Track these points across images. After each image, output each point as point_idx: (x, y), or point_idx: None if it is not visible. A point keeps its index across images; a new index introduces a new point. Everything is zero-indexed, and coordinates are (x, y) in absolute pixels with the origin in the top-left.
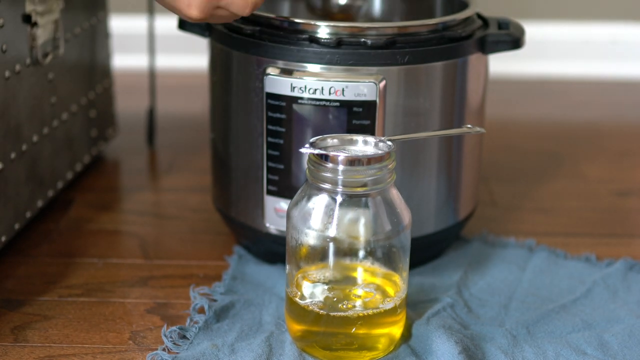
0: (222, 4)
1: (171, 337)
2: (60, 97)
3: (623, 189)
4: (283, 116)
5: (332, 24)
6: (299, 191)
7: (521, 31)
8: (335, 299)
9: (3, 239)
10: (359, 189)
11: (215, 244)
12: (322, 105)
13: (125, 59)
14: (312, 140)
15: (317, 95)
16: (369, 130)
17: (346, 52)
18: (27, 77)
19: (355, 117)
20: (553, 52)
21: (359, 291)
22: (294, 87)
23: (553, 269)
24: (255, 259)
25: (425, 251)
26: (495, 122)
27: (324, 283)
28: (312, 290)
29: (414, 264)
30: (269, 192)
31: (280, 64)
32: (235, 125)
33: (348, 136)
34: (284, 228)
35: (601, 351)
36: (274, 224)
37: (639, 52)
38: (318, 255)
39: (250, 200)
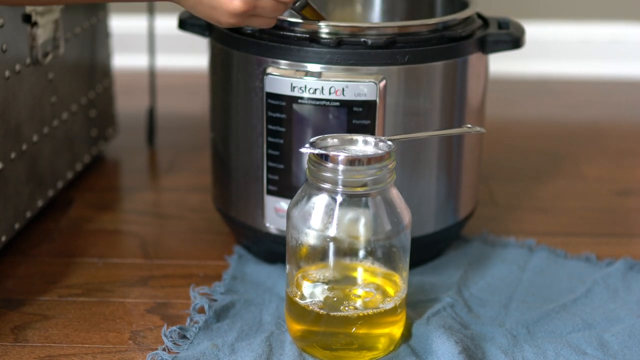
0: (258, 12)
1: (171, 337)
2: (60, 96)
3: (623, 188)
4: (283, 116)
5: (332, 23)
6: (299, 191)
7: (521, 31)
8: (335, 299)
9: (3, 238)
10: (359, 189)
11: (215, 244)
12: (322, 105)
13: (126, 59)
14: (312, 140)
15: (317, 95)
16: (369, 130)
17: (346, 51)
18: (27, 76)
19: (356, 116)
20: (553, 52)
21: (359, 291)
22: (294, 87)
23: (553, 269)
24: (255, 258)
25: (426, 251)
26: (495, 121)
27: (324, 283)
28: (312, 290)
29: (414, 264)
30: (269, 192)
31: (281, 63)
32: (235, 125)
33: (348, 136)
34: (284, 228)
35: (601, 351)
36: (274, 223)
37: (639, 51)
38: (318, 255)
39: (251, 200)
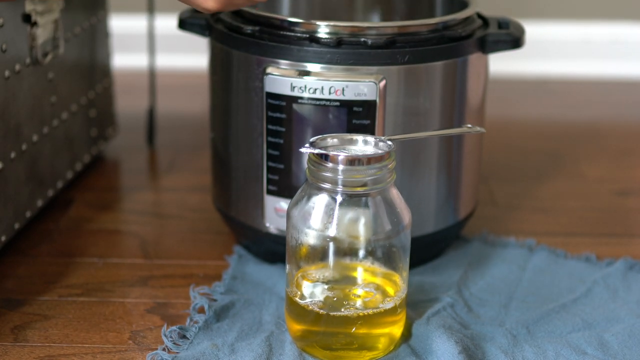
0: None
1: (171, 337)
2: (60, 96)
3: (623, 188)
4: (283, 116)
5: (332, 23)
6: (299, 191)
7: (521, 31)
8: (335, 299)
9: (3, 238)
10: (359, 189)
11: (215, 244)
12: (322, 105)
13: (125, 59)
14: (312, 139)
15: (317, 95)
16: (369, 129)
17: (346, 51)
18: (27, 76)
19: (355, 116)
20: (553, 52)
21: (359, 291)
22: (294, 87)
23: (553, 269)
24: (255, 258)
25: (426, 251)
26: (496, 121)
27: (324, 283)
28: (312, 290)
29: (414, 264)
30: (269, 192)
31: (281, 63)
32: (235, 124)
33: (348, 136)
34: (284, 228)
35: (601, 351)
36: (274, 223)
37: (639, 51)
38: (318, 254)
39: (251, 199)
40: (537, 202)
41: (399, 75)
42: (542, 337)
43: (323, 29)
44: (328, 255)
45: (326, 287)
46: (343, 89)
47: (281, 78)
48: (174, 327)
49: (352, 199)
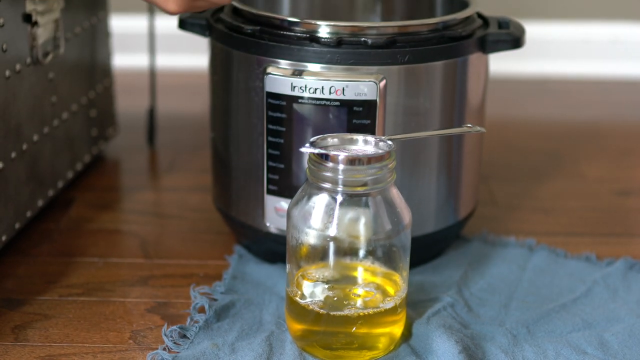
0: None
1: (171, 337)
2: (60, 96)
3: (623, 188)
4: (283, 115)
5: (332, 23)
6: (299, 190)
7: (521, 30)
8: (335, 299)
9: (3, 238)
10: (359, 189)
11: (215, 244)
12: (322, 105)
13: (126, 59)
14: (312, 139)
15: (318, 95)
16: (369, 129)
17: (346, 51)
18: (28, 76)
19: (356, 116)
20: (553, 52)
21: (359, 290)
22: (294, 87)
23: (553, 269)
24: (255, 258)
25: (426, 250)
26: (496, 121)
27: (324, 282)
28: (313, 290)
29: (414, 263)
30: (270, 192)
31: (281, 63)
32: (235, 124)
33: (348, 135)
34: (284, 227)
35: (601, 350)
36: (274, 223)
37: (639, 51)
38: (318, 254)
39: (251, 199)
40: (537, 202)
41: (399, 75)
42: (542, 337)
43: (323, 29)
44: (328, 255)
45: (326, 286)
46: (343, 89)
47: (281, 78)
48: (174, 327)
49: (353, 199)
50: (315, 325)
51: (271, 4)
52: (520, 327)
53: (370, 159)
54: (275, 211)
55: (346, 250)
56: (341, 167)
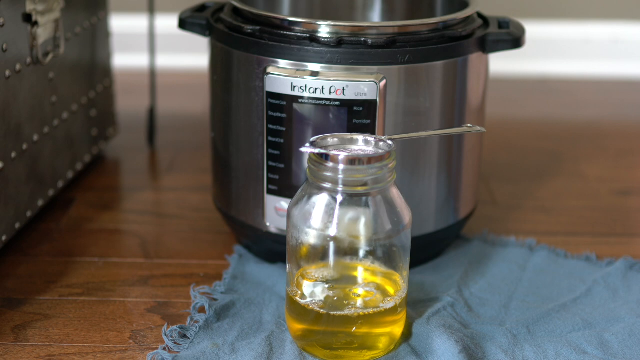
0: None
1: (172, 336)
2: (60, 96)
3: (623, 188)
4: (283, 115)
5: (332, 23)
6: (299, 190)
7: (521, 30)
8: (335, 298)
9: (4, 238)
10: (359, 188)
11: (215, 243)
12: (322, 105)
13: (126, 58)
14: (312, 139)
15: (318, 95)
16: (370, 129)
17: (347, 51)
18: (28, 76)
19: (356, 116)
20: (553, 52)
21: (359, 290)
22: (294, 87)
23: (553, 268)
24: (255, 258)
25: (426, 250)
26: (496, 121)
27: (324, 282)
28: (313, 290)
29: (415, 263)
30: (270, 191)
31: (281, 63)
32: (235, 124)
33: (348, 135)
34: (284, 227)
35: (601, 350)
36: (274, 223)
37: (639, 51)
38: (318, 254)
39: (251, 199)
40: (538, 201)
41: (400, 74)
42: (542, 337)
43: (323, 29)
44: (328, 255)
45: (326, 286)
46: (343, 89)
47: (281, 78)
48: (174, 327)
49: (353, 199)
50: (315, 325)
51: (271, 4)
52: (520, 327)
53: (370, 159)
54: (275, 211)
55: (346, 250)
56: (341, 167)
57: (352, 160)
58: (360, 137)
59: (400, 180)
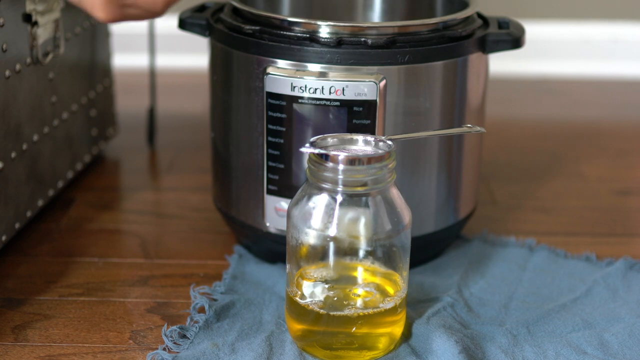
0: (129, 2)
1: (171, 337)
2: (60, 96)
3: (623, 188)
4: (283, 115)
5: (332, 23)
6: (299, 190)
7: (521, 30)
8: (335, 299)
9: (4, 238)
10: (359, 189)
11: (215, 243)
12: (322, 105)
13: (126, 58)
14: (312, 139)
15: (318, 95)
16: (369, 129)
17: (346, 51)
18: (28, 76)
19: (356, 116)
20: (553, 52)
21: (359, 290)
22: (294, 87)
23: (553, 268)
24: (255, 258)
25: (426, 250)
26: (496, 121)
27: (324, 282)
28: (313, 290)
29: (415, 263)
30: (270, 192)
31: (281, 63)
32: (235, 124)
33: (348, 135)
34: (284, 227)
35: (601, 350)
36: (274, 223)
37: (639, 51)
38: (318, 254)
39: (251, 199)
40: (537, 201)
41: (399, 75)
42: (542, 337)
43: (323, 29)
44: (328, 255)
45: (326, 286)
46: (343, 89)
47: (281, 78)
48: (174, 327)
49: (353, 199)
50: (315, 325)
51: (271, 4)
52: (520, 327)
53: (370, 159)
54: (275, 211)
55: (346, 250)
56: (341, 167)
57: (352, 161)
58: (360, 137)
59: (400, 180)
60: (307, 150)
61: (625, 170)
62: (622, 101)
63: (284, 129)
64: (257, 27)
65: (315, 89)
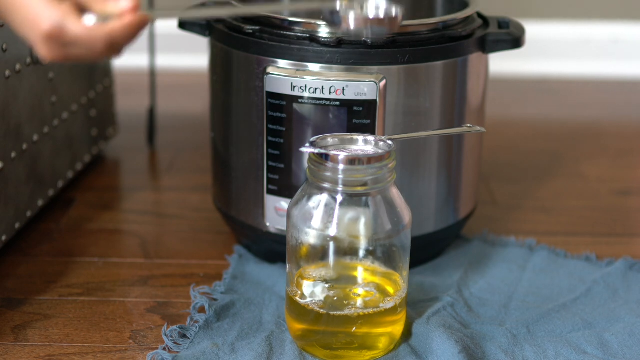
0: (69, 41)
1: (172, 336)
2: (60, 96)
3: (623, 188)
4: (283, 115)
5: None
6: (299, 190)
7: (521, 30)
8: (335, 298)
9: (4, 238)
10: (359, 188)
11: (215, 243)
12: (322, 105)
13: (126, 58)
14: (312, 139)
15: (318, 95)
16: (369, 129)
17: (346, 51)
18: (28, 76)
19: (356, 116)
20: (553, 52)
21: (359, 290)
22: (294, 87)
23: (553, 268)
24: (255, 258)
25: (426, 250)
26: (496, 121)
27: (324, 282)
28: (313, 290)
29: (415, 263)
30: (270, 192)
31: (281, 63)
32: (235, 124)
33: (348, 135)
34: (284, 227)
35: (601, 350)
36: (274, 223)
37: (639, 51)
38: (318, 254)
39: (251, 199)
40: (537, 201)
41: (399, 75)
42: (542, 337)
43: (323, 29)
44: (328, 255)
45: (326, 286)
46: (343, 89)
47: (281, 78)
48: (174, 327)
49: (353, 199)
50: (315, 325)
51: (271, 4)
52: (520, 327)
53: (370, 159)
54: (275, 211)
55: (346, 250)
56: (341, 167)
57: (352, 160)
58: (360, 137)
59: (400, 180)
60: (307, 150)
61: (625, 170)
62: (622, 101)
63: (284, 129)
64: (257, 27)
65: (315, 89)
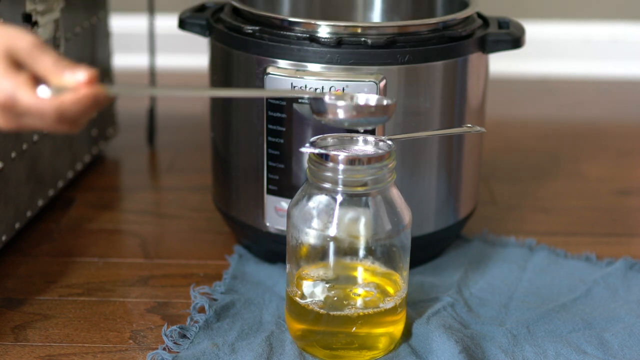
0: (21, 111)
1: (172, 337)
2: None
3: (623, 188)
4: (283, 115)
5: (332, 23)
6: (299, 190)
7: (521, 30)
8: (335, 298)
9: (4, 238)
10: (359, 188)
11: (215, 243)
12: None
13: (126, 58)
14: (312, 139)
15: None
16: (369, 129)
17: (346, 51)
18: None
19: None
20: (553, 52)
21: (359, 290)
22: (294, 87)
23: (553, 268)
24: (255, 258)
25: (426, 250)
26: (496, 121)
27: (324, 282)
28: (313, 290)
29: (415, 263)
30: (270, 192)
31: (281, 63)
32: (235, 124)
33: (348, 135)
34: (284, 227)
35: (601, 350)
36: (274, 223)
37: (639, 51)
38: (318, 254)
39: (251, 199)
40: (537, 201)
41: (399, 75)
42: (542, 337)
43: (323, 29)
44: (328, 255)
45: (326, 286)
46: (343, 89)
47: (281, 78)
48: (174, 327)
49: (353, 199)
50: (315, 325)
51: (271, 4)
52: (520, 327)
53: (370, 159)
54: (275, 211)
55: (346, 250)
56: (341, 167)
57: (352, 161)
58: (360, 137)
59: (400, 180)
60: (307, 150)
61: (625, 170)
62: (622, 101)
63: (284, 129)
64: (257, 27)
65: (315, 89)
